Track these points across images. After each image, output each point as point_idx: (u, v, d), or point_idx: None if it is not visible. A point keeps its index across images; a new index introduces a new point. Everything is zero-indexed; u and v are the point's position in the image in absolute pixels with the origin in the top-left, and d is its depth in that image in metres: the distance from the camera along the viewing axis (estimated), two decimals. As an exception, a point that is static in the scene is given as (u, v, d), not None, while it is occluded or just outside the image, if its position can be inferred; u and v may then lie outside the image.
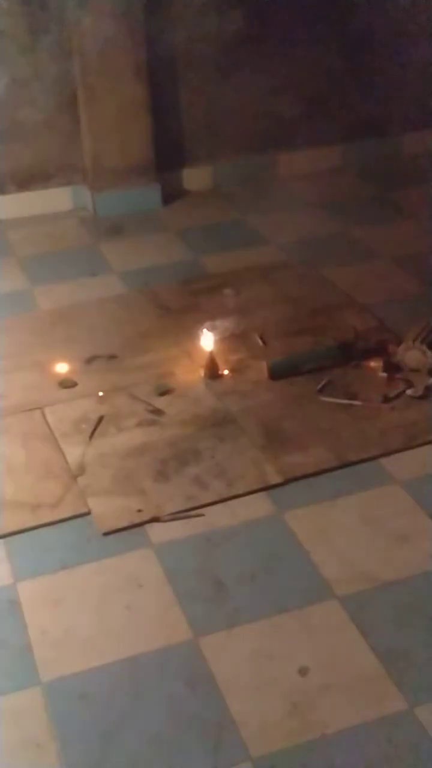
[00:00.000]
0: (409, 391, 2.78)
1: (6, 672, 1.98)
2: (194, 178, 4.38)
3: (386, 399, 2.76)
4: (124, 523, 2.36)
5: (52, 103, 4.07)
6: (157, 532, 2.34)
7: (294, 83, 4.33)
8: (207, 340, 2.98)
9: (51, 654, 2.01)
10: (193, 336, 3.12)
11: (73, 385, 2.94)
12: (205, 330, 3.03)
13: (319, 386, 2.83)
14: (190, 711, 1.87)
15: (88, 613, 2.12)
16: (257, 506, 2.41)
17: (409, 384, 2.81)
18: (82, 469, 2.56)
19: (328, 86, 4.39)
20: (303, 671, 1.93)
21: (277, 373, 2.90)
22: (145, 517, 2.38)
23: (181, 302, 3.43)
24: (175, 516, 2.38)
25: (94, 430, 2.71)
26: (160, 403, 2.83)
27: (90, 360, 3.07)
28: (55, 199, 4.21)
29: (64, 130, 4.13)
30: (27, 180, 4.16)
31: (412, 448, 2.57)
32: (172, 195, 4.28)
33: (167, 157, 4.25)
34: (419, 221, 3.98)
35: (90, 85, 3.99)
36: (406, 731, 1.80)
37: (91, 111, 4.04)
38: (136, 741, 1.82)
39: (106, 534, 2.33)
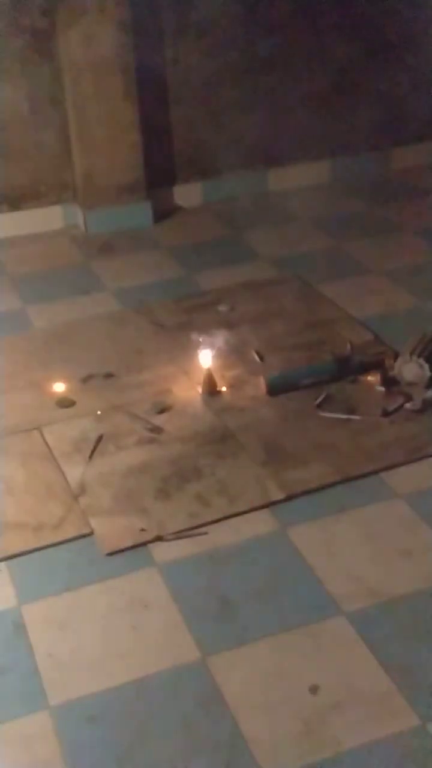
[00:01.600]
0: (407, 405, 2.78)
1: (14, 696, 1.96)
2: (184, 195, 4.39)
3: (385, 413, 2.76)
4: (128, 543, 2.35)
5: (43, 123, 4.07)
6: (161, 551, 2.32)
7: (282, 99, 4.36)
8: (205, 357, 2.97)
9: (58, 677, 2.00)
10: (189, 353, 3.12)
11: (71, 404, 2.93)
12: (202, 347, 3.02)
13: (318, 401, 2.83)
14: (201, 731, 1.86)
15: (95, 634, 2.10)
16: (260, 523, 2.40)
17: (408, 398, 2.81)
18: (82, 489, 2.55)
19: (317, 102, 4.42)
20: (313, 689, 1.92)
21: (275, 389, 2.90)
22: (149, 536, 2.37)
23: (175, 319, 3.43)
24: (179, 534, 2.37)
25: (94, 449, 2.70)
26: (159, 420, 2.82)
27: (86, 379, 3.06)
28: (47, 217, 4.21)
29: (55, 148, 4.13)
30: (18, 199, 4.16)
31: (413, 461, 2.58)
32: (162, 212, 4.29)
33: (157, 174, 4.25)
34: (409, 235, 4.00)
35: (80, 104, 4.00)
36: (420, 747, 1.79)
37: (81, 130, 4.05)
38: (148, 763, 1.80)
39: (110, 554, 2.32)
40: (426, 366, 2.85)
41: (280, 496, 2.48)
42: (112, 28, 3.88)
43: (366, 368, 2.95)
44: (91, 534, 2.39)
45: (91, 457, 2.67)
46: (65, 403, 2.94)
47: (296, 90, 4.36)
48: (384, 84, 4.47)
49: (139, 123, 4.07)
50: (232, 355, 3.13)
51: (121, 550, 2.33)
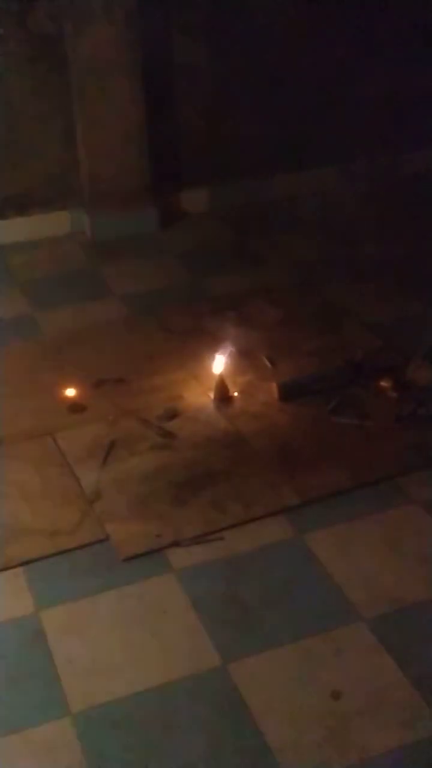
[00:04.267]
0: (420, 410, 2.78)
1: (35, 703, 1.95)
2: (191, 200, 4.40)
3: (398, 418, 2.76)
4: (144, 549, 2.35)
5: (50, 128, 4.07)
6: (178, 557, 2.32)
7: (289, 105, 4.36)
8: (217, 363, 2.97)
9: (79, 683, 1.99)
10: (200, 358, 3.12)
11: (83, 409, 2.93)
12: (217, 355, 3.01)
13: (331, 406, 2.83)
14: (223, 737, 1.85)
15: (114, 641, 2.10)
16: (276, 528, 2.40)
17: (420, 403, 2.81)
18: (97, 495, 2.54)
19: (323, 107, 4.43)
20: (336, 695, 1.92)
21: (287, 394, 2.90)
22: (165, 542, 2.36)
23: (184, 325, 3.42)
24: (195, 540, 2.36)
25: (107, 454, 2.70)
26: (171, 426, 2.82)
27: (98, 384, 3.05)
28: (54, 223, 4.20)
29: (62, 154, 4.13)
30: (25, 204, 4.16)
31: (428, 467, 2.58)
32: (169, 217, 4.29)
33: (163, 180, 4.25)
34: (418, 241, 4.00)
35: (87, 110, 4.00)
36: (444, 753, 1.79)
37: (88, 135, 4.05)
38: (172, 770, 1.80)
39: (126, 560, 2.32)
40: (438, 371, 2.85)
41: (296, 501, 2.48)
42: (119, 33, 3.88)
43: (378, 373, 2.95)
44: (107, 539, 2.39)
45: (104, 462, 2.67)
46: (77, 408, 2.93)
47: (302, 95, 4.37)
48: (388, 89, 4.48)
49: (145, 129, 4.08)
50: (243, 360, 3.13)
51: (138, 556, 2.33)
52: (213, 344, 3.16)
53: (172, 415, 2.87)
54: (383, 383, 2.91)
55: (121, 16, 3.85)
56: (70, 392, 3.01)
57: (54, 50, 3.94)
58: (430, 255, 3.86)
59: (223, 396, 2.93)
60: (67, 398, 2.98)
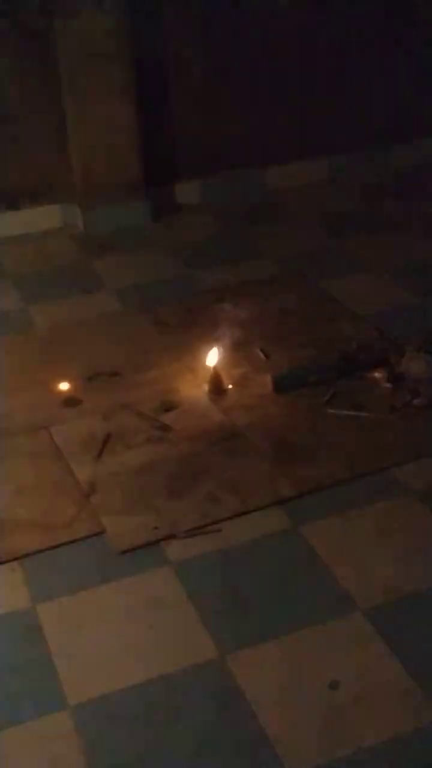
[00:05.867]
0: (415, 401, 2.79)
1: (32, 696, 1.95)
2: (183, 193, 4.39)
3: (393, 409, 2.77)
4: (141, 541, 2.35)
5: (41, 122, 4.06)
6: (175, 550, 2.32)
7: (282, 97, 4.36)
8: (211, 356, 2.97)
9: (76, 676, 1.99)
10: (194, 351, 3.12)
11: (78, 403, 2.92)
12: (211, 347, 3.01)
13: (326, 398, 2.84)
14: (223, 729, 1.85)
15: (111, 633, 2.10)
16: (273, 520, 2.40)
17: (415, 393, 2.82)
18: (93, 488, 2.54)
19: (316, 99, 4.42)
20: (334, 685, 1.92)
21: (281, 387, 2.90)
22: (161, 534, 2.36)
23: (178, 318, 3.42)
24: (192, 532, 2.36)
25: (103, 448, 2.69)
26: (167, 419, 2.82)
27: (92, 378, 3.05)
28: (46, 217, 4.20)
29: (54, 147, 4.12)
30: (17, 198, 4.15)
31: (423, 457, 2.58)
32: (161, 210, 4.28)
33: (156, 172, 4.24)
34: (410, 233, 4.01)
35: (78, 103, 3.99)
36: (442, 742, 1.80)
37: (79, 128, 4.04)
38: (171, 762, 1.80)
39: (123, 552, 2.32)
40: (433, 362, 2.86)
41: (292, 493, 2.48)
42: (110, 25, 3.87)
43: (372, 365, 2.95)
44: (103, 533, 2.38)
45: (100, 456, 2.66)
46: (72, 402, 2.93)
47: (294, 87, 4.36)
48: (382, 81, 4.47)
49: (137, 121, 4.06)
50: (237, 353, 3.12)
51: (134, 549, 2.33)
52: (207, 337, 3.16)
53: (169, 407, 2.87)
54: (377, 374, 2.91)
55: (110, 7, 3.84)
56: (65, 386, 3.00)
57: (44, 43, 3.92)
58: (424, 246, 3.86)
59: (217, 388, 2.93)
60: (61, 392, 2.98)
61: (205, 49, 4.18)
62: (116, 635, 2.09)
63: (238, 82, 4.28)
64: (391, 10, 4.36)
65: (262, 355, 3.12)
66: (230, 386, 2.95)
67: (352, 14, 4.32)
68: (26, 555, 2.33)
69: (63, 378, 3.03)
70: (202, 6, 4.10)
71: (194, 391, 2.94)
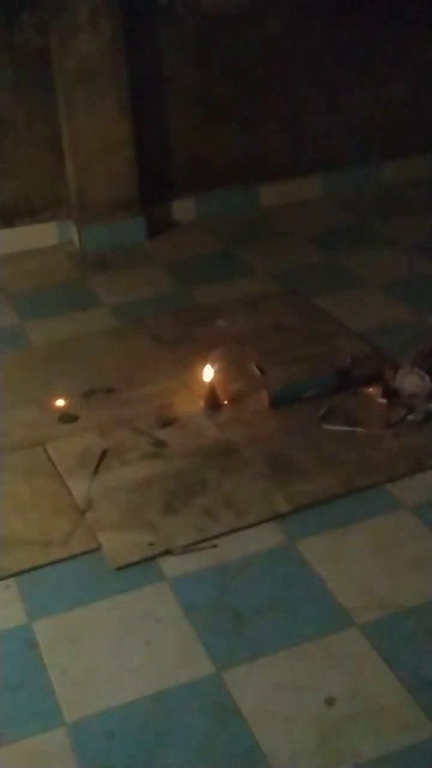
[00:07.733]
0: (410, 417, 2.80)
1: (29, 714, 1.95)
2: (178, 210, 4.41)
3: (388, 425, 2.77)
4: (137, 558, 2.35)
5: (37, 139, 4.08)
6: (171, 566, 2.32)
7: (275, 115, 4.39)
8: (207, 371, 2.98)
9: (73, 693, 1.99)
10: (189, 367, 3.13)
11: (73, 419, 2.93)
12: (206, 363, 3.01)
13: (321, 414, 2.84)
14: (219, 745, 1.85)
15: (108, 650, 2.09)
16: (268, 536, 2.40)
17: (410, 409, 2.83)
18: (89, 504, 2.54)
19: (309, 118, 4.46)
20: (329, 701, 1.92)
21: (277, 402, 2.91)
22: (157, 550, 2.36)
23: (174, 334, 3.43)
24: (188, 548, 2.37)
25: (98, 464, 2.70)
26: (162, 435, 2.82)
27: (88, 394, 3.06)
28: (41, 234, 4.21)
29: (49, 165, 4.14)
30: (12, 215, 4.16)
31: (417, 472, 2.59)
32: (157, 227, 4.30)
33: (151, 189, 4.27)
34: (403, 249, 4.03)
35: (74, 120, 4.01)
36: (438, 758, 1.80)
37: (75, 145, 4.06)
38: (167, 779, 1.80)
39: (119, 569, 2.32)
40: (427, 377, 2.86)
41: (287, 508, 2.48)
42: (105, 43, 3.90)
43: (367, 380, 2.96)
44: (99, 549, 2.38)
45: (96, 472, 2.67)
46: (67, 418, 2.93)
47: (287, 105, 4.40)
48: (371, 98, 4.51)
49: (133, 138, 4.09)
50: (232, 369, 3.13)
51: (130, 565, 2.33)
52: (202, 353, 3.17)
53: (164, 423, 2.88)
54: (372, 390, 2.93)
55: (106, 27, 3.87)
56: (61, 402, 3.01)
57: (40, 61, 3.95)
58: (416, 262, 3.89)
59: (213, 404, 2.94)
60: (57, 408, 2.99)
61: (200, 68, 4.21)
62: (113, 651, 2.09)
63: (232, 100, 4.32)
64: (382, 30, 4.40)
65: (257, 371, 3.13)
66: (226, 402, 2.96)
67: (343, 35, 4.35)
68: (22, 572, 2.33)
69: (59, 394, 3.04)
70: (197, 25, 4.14)
71: (190, 406, 2.95)
